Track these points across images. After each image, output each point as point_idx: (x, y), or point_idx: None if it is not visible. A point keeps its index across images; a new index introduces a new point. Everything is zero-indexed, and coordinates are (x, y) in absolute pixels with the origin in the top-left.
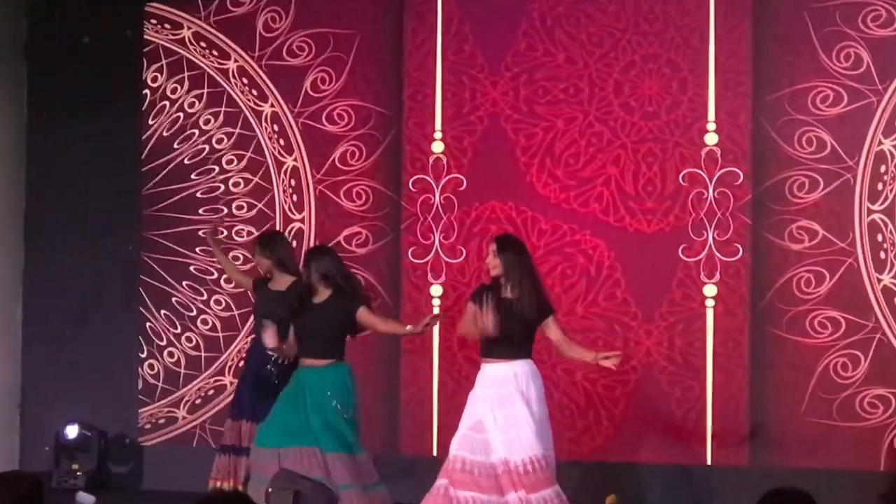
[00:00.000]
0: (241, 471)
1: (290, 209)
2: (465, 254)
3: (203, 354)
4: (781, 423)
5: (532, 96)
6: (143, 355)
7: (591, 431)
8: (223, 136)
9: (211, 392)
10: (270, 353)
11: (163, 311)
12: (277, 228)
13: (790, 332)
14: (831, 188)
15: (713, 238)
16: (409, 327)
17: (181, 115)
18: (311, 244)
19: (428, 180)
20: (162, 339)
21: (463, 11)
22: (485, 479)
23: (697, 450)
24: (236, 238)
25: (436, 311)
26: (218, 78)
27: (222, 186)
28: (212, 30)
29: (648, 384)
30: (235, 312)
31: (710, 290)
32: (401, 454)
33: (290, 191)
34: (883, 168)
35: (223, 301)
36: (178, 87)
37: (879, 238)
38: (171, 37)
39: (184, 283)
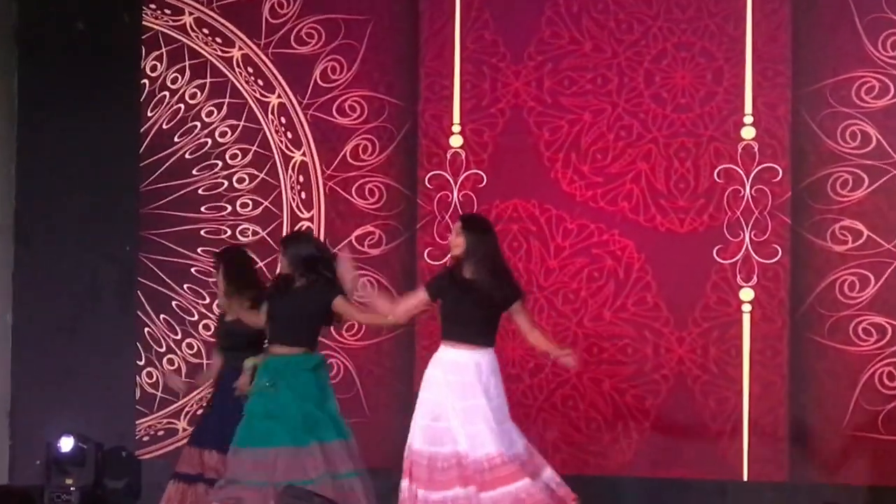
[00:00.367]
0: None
1: (298, 207)
2: None
3: (205, 362)
4: (823, 436)
5: (557, 87)
6: (141, 363)
7: (620, 445)
8: (227, 129)
9: None
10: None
11: (162, 316)
12: (284, 227)
13: (832, 340)
14: (876, 185)
15: (750, 239)
16: (390, 317)
17: (182, 106)
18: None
19: (445, 177)
20: (161, 346)
21: None
22: (452, 472)
23: (733, 465)
24: (241, 237)
25: None
26: (221, 67)
27: (226, 183)
28: (215, 15)
29: (681, 395)
30: None
31: (746, 294)
32: None
33: (299, 187)
34: None
35: None
36: (179, 77)
37: None
38: (172, 23)
39: (185, 285)
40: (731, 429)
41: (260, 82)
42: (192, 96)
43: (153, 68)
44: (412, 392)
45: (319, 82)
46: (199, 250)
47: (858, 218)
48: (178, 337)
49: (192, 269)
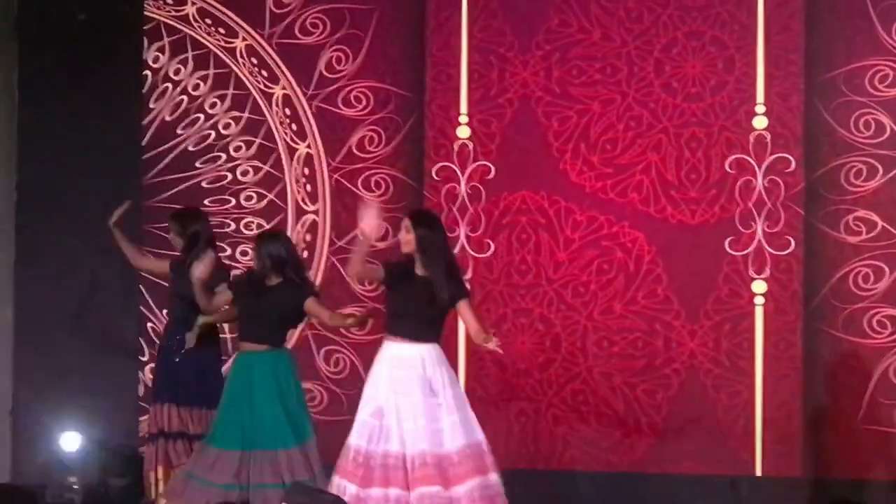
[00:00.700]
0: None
1: (303, 200)
2: (493, 248)
3: None
4: (837, 430)
5: (566, 77)
6: (145, 358)
7: (631, 440)
8: (230, 120)
9: None
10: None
11: (165, 311)
12: (289, 220)
13: (846, 332)
14: (891, 175)
15: (762, 230)
16: (349, 320)
17: (185, 98)
18: (327, 237)
19: (453, 168)
20: None
21: None
22: (390, 471)
23: (746, 460)
24: (245, 231)
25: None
26: (224, 58)
27: (230, 175)
28: (218, 5)
29: (692, 389)
30: None
31: (759, 286)
32: None
33: (304, 180)
34: None
35: None
36: (182, 68)
37: None
38: (174, 13)
39: None
40: (744, 423)
41: (264, 73)
42: (195, 88)
43: (155, 59)
44: None
45: (324, 73)
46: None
47: (872, 208)
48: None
49: None
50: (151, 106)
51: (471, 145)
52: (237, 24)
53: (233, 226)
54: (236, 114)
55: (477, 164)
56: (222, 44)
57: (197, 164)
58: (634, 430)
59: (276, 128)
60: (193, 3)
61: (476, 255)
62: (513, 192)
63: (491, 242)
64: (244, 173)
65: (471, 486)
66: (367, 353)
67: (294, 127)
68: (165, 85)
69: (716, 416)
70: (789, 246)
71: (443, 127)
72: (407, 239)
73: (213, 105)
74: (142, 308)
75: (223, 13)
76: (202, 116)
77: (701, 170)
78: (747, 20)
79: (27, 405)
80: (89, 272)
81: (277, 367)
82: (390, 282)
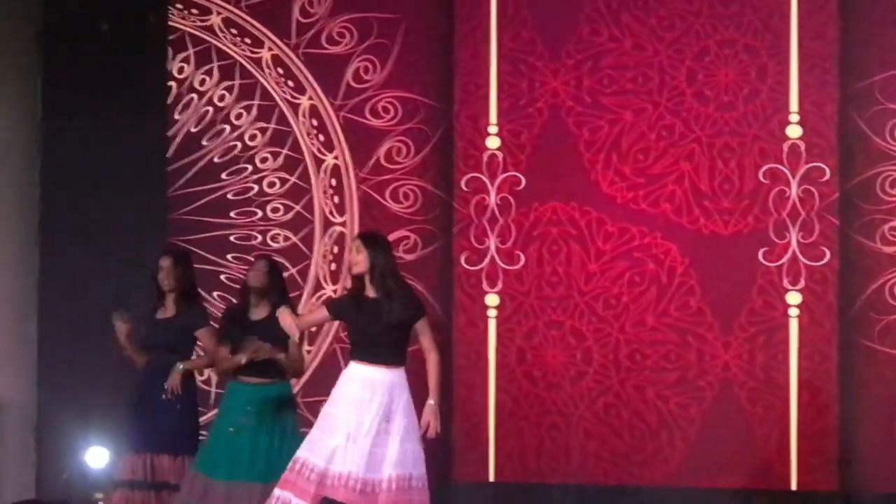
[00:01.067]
0: None
1: (330, 212)
2: (523, 260)
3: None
4: (874, 444)
5: (596, 86)
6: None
7: (664, 454)
8: (256, 131)
9: None
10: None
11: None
12: (316, 232)
13: (883, 344)
14: None
15: (797, 241)
16: (243, 359)
17: (210, 109)
18: None
19: (482, 179)
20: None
21: None
22: (314, 487)
23: (781, 474)
24: (271, 244)
25: (490, 320)
26: (250, 68)
27: (256, 187)
28: (244, 15)
29: (726, 402)
30: None
31: (793, 297)
32: (454, 481)
33: (331, 191)
34: None
35: None
36: (207, 79)
37: None
38: (199, 23)
39: (214, 293)
40: (779, 437)
41: (290, 84)
42: (221, 98)
43: (180, 70)
44: (450, 403)
45: (352, 83)
46: (229, 257)
47: None
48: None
49: (222, 276)
50: (176, 117)
51: (500, 156)
52: (263, 33)
53: (259, 238)
54: (262, 125)
55: (507, 174)
56: (248, 54)
57: (223, 176)
58: (667, 443)
59: (303, 139)
60: (219, 13)
61: (506, 266)
62: (543, 203)
63: (521, 254)
64: (270, 185)
65: None
66: None
67: (321, 138)
68: (190, 96)
69: (750, 430)
70: (824, 256)
71: (472, 137)
72: (357, 259)
73: (238, 116)
74: None
75: (249, 23)
76: (228, 127)
77: (734, 180)
78: (781, 28)
79: (51, 421)
80: (115, 286)
81: (285, 395)
82: (340, 316)
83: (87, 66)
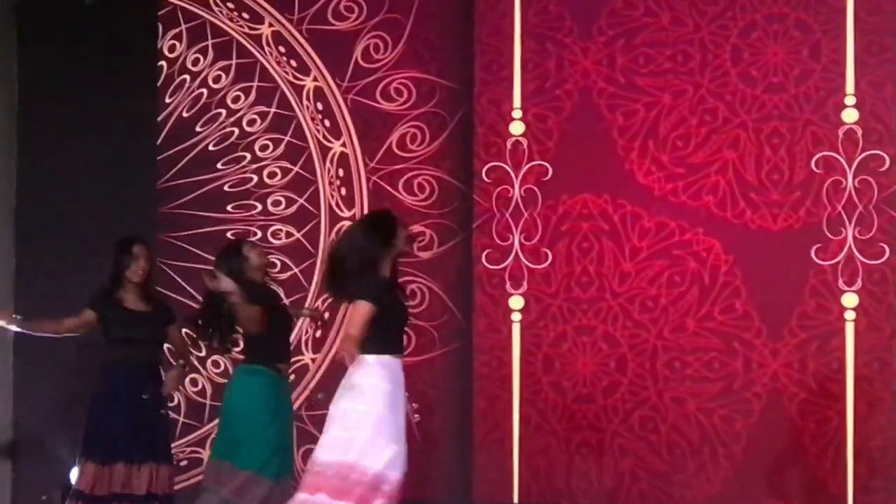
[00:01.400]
0: None
1: (337, 205)
2: (550, 258)
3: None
4: None
5: (631, 65)
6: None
7: (707, 472)
8: (256, 116)
9: None
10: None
11: (184, 331)
12: (322, 227)
13: None
14: None
15: (853, 236)
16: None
17: (205, 91)
18: None
19: (505, 169)
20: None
21: None
22: (362, 487)
23: (837, 495)
24: (273, 241)
25: (514, 325)
26: (249, 46)
27: (255, 178)
28: None
29: (776, 415)
30: None
31: (849, 299)
32: (474, 502)
33: (338, 182)
34: None
35: None
36: (201, 58)
37: None
38: None
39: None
40: (834, 454)
41: (293, 63)
42: (216, 80)
43: (171, 48)
44: (470, 417)
45: (361, 62)
46: None
47: None
48: (202, 354)
49: None
50: (167, 101)
51: (525, 143)
52: (263, 8)
53: (259, 234)
54: (262, 109)
55: (532, 163)
56: (246, 30)
57: (218, 166)
58: (710, 461)
59: (307, 124)
60: None
61: (532, 265)
62: (573, 196)
63: (548, 252)
64: (271, 175)
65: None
66: (411, 377)
67: (327, 123)
68: (183, 77)
69: (802, 446)
70: (884, 254)
71: (494, 123)
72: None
73: (236, 99)
74: None
75: None
76: (224, 112)
77: (784, 169)
78: (835, 1)
79: (29, 435)
80: (98, 288)
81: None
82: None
83: (69, 44)
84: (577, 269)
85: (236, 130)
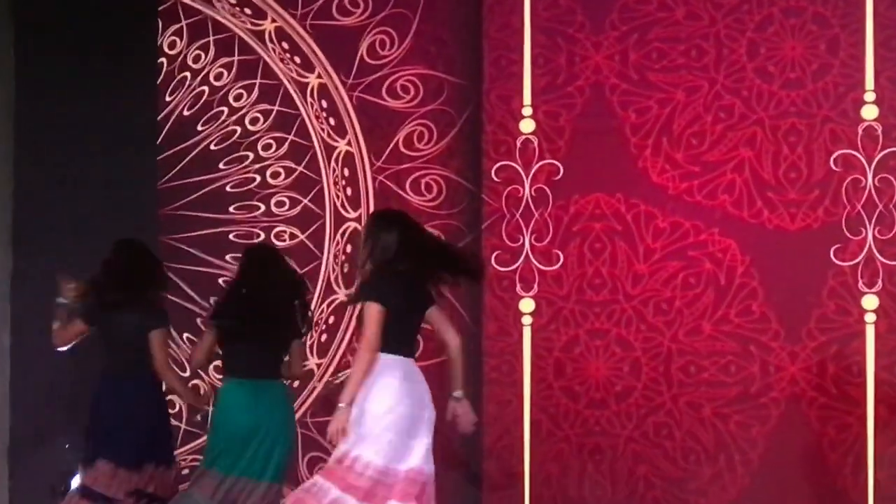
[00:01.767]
0: None
1: (342, 205)
2: (562, 259)
3: None
4: None
5: (644, 61)
6: (162, 389)
7: (723, 480)
8: (258, 115)
9: None
10: None
11: (185, 335)
12: (327, 228)
13: None
14: None
15: (873, 236)
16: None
17: (206, 89)
18: None
19: (515, 168)
20: (185, 370)
21: None
22: (397, 486)
23: (857, 502)
24: (276, 242)
25: (525, 328)
26: (251, 42)
27: (258, 178)
28: None
29: (794, 421)
30: None
31: (870, 301)
32: None
33: (343, 182)
34: None
35: None
36: (203, 55)
37: None
38: None
39: (211, 298)
40: (854, 461)
41: (297, 60)
42: (218, 77)
43: (172, 45)
44: (479, 423)
45: (366, 59)
46: (227, 257)
47: None
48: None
49: (221, 280)
50: (168, 99)
51: (536, 141)
52: (265, 3)
53: (262, 235)
54: (265, 107)
55: (543, 162)
56: (248, 26)
57: (220, 165)
58: (727, 468)
59: (312, 123)
60: None
61: (542, 267)
62: (584, 195)
63: (560, 253)
64: (275, 175)
65: None
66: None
67: (332, 121)
68: (183, 74)
69: (821, 453)
70: None
71: (503, 120)
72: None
73: (238, 97)
74: None
75: None
76: (226, 110)
77: (802, 167)
78: None
79: (27, 442)
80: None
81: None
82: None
83: (67, 41)
84: (590, 271)
85: (238, 129)
